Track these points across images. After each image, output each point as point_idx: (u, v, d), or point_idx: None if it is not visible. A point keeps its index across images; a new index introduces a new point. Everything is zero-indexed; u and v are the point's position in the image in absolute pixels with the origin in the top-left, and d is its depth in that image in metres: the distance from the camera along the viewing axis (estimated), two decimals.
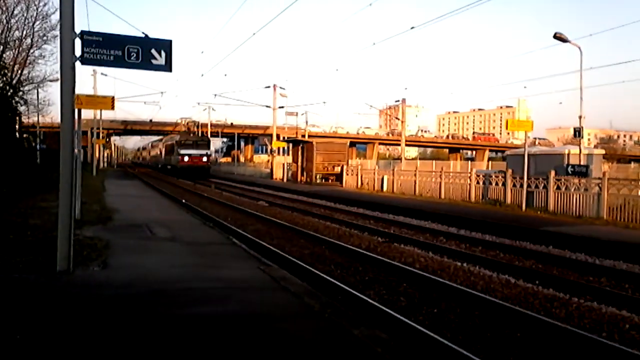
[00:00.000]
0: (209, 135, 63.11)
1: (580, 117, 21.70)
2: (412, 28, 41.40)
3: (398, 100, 54.33)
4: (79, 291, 6.29)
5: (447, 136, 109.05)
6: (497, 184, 21.74)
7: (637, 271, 10.11)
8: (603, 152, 26.53)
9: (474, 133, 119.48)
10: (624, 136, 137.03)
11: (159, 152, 65.05)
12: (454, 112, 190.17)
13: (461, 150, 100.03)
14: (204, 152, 49.71)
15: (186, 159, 48.20)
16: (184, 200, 21.61)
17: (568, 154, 21.05)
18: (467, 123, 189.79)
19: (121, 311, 5.50)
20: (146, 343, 4.62)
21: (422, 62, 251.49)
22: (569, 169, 19.42)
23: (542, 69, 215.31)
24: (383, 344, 4.75)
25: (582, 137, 21.61)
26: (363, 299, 7.20)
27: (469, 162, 49.03)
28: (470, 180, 23.24)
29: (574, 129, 22.56)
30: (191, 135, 54.02)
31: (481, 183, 22.65)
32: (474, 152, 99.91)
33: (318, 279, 8.43)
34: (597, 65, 75.29)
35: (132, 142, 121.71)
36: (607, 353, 5.57)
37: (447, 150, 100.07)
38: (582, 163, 19.98)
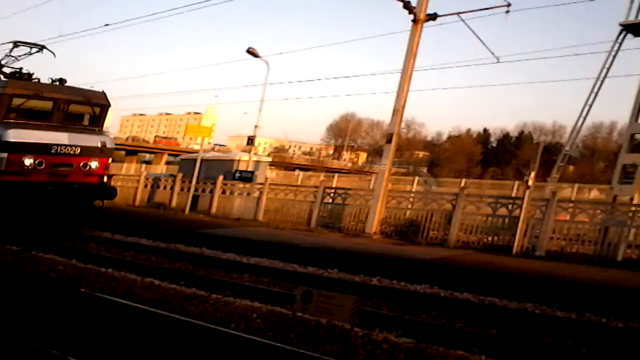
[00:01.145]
0: None
1: (255, 126, 23.38)
2: (107, 25, 37.01)
3: None
4: None
5: (127, 138, 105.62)
6: (165, 187, 21.68)
7: (275, 266, 11.13)
8: (270, 159, 29.20)
9: (155, 136, 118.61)
10: (295, 146, 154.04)
11: None
12: (141, 114, 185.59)
13: (139, 153, 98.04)
14: (94, 142, 14.03)
15: (28, 161, 12.85)
16: None
17: (239, 160, 22.42)
18: (152, 127, 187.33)
19: None
20: None
21: (116, 60, 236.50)
22: (236, 175, 20.61)
23: (234, 79, 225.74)
24: None
25: (254, 145, 23.20)
26: None
27: (144, 165, 48.10)
28: (139, 183, 22.67)
29: (248, 137, 24.11)
30: (46, 83, 14.32)
31: (149, 186, 22.29)
32: (154, 155, 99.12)
33: None
34: (284, 81, 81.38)
35: None
36: (229, 341, 5.74)
37: (124, 152, 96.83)
38: (250, 169, 21.43)
